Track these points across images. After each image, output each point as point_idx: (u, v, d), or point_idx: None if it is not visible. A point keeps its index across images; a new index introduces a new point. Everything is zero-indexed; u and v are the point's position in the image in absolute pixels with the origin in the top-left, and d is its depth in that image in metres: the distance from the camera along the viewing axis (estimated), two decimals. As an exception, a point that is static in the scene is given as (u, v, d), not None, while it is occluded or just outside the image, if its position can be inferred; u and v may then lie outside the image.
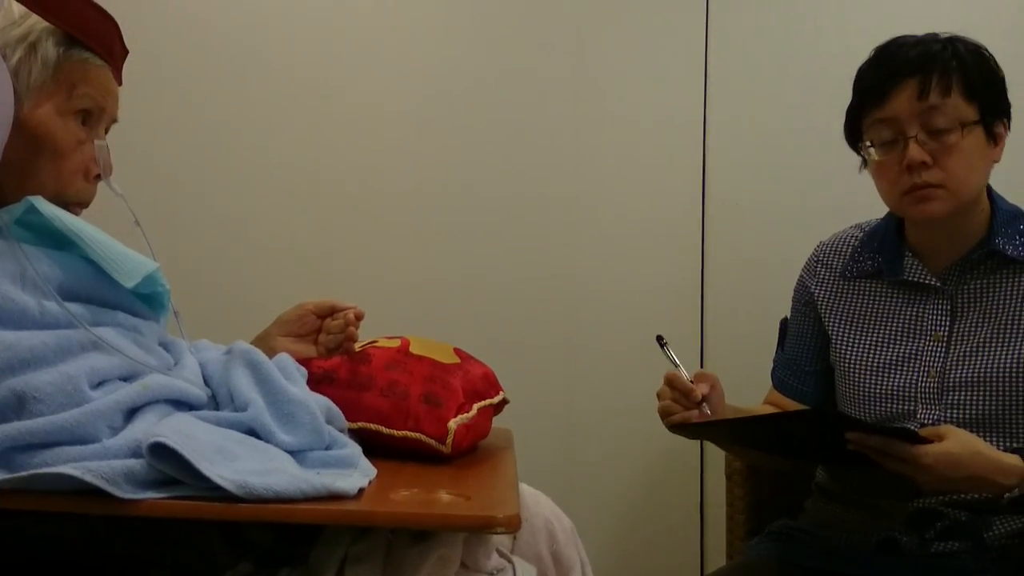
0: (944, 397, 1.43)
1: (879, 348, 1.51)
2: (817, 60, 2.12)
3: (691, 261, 2.17)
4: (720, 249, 2.16)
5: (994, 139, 1.44)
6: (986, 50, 1.45)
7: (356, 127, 2.15)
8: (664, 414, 1.44)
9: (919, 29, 1.47)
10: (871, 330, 1.53)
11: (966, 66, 1.41)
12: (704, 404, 1.41)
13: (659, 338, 1.51)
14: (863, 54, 1.49)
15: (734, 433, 1.54)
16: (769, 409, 1.66)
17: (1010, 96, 1.46)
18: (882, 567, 1.43)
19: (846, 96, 1.51)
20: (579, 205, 2.17)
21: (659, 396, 1.45)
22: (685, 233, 2.17)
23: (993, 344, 1.42)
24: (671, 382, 1.43)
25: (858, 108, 1.48)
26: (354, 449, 1.11)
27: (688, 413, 1.41)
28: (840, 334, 1.55)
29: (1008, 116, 1.46)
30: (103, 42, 1.16)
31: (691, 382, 1.41)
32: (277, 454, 1.00)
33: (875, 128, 1.45)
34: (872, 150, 1.46)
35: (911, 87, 1.41)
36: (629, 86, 2.17)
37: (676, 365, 1.46)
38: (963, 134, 1.39)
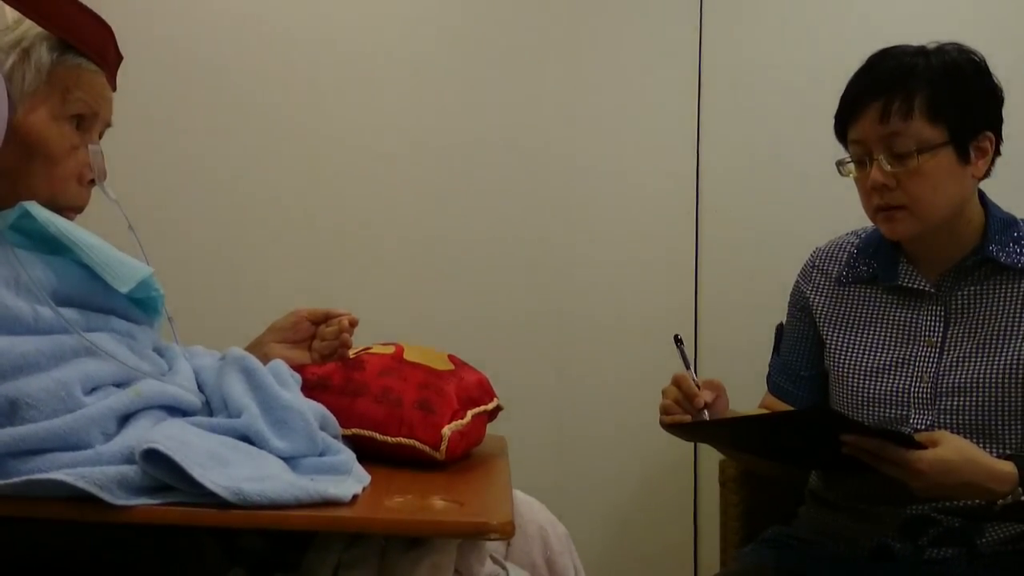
0: (937, 402, 1.43)
1: (873, 352, 1.51)
2: (811, 68, 2.12)
3: (685, 268, 2.17)
4: (713, 258, 2.16)
5: (967, 157, 1.41)
6: (973, 61, 1.43)
7: (350, 134, 2.14)
8: (663, 412, 1.45)
9: (913, 38, 1.47)
10: (865, 335, 1.53)
11: (935, 86, 1.39)
12: (705, 412, 1.41)
13: (676, 338, 1.51)
14: (857, 62, 1.49)
15: (729, 434, 1.54)
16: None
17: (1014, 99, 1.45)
18: (875, 573, 1.43)
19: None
20: (573, 212, 2.17)
21: (664, 394, 1.45)
22: (679, 241, 2.17)
23: (986, 350, 1.43)
24: (678, 383, 1.43)
25: (839, 122, 1.49)
26: (348, 455, 1.11)
27: (683, 416, 1.41)
28: (834, 338, 1.56)
29: (995, 128, 1.44)
30: (97, 47, 1.16)
31: (698, 386, 1.42)
32: (271, 460, 1.00)
33: (851, 146, 1.48)
34: (850, 165, 1.48)
35: (875, 110, 1.41)
36: (622, 95, 2.17)
37: (687, 367, 1.46)
38: (925, 158, 1.39)
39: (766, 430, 1.46)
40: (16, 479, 0.88)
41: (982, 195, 1.49)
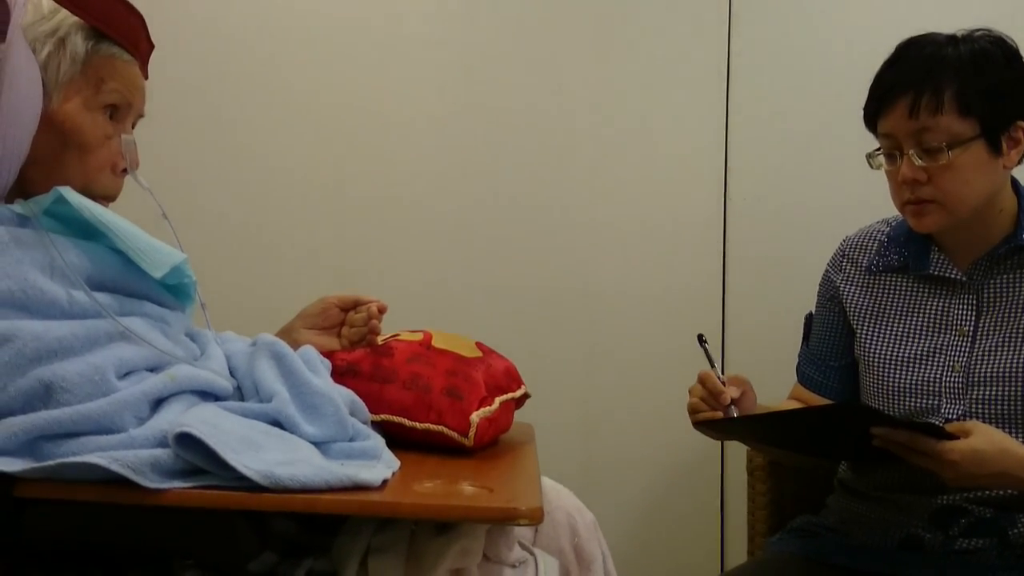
0: (968, 392, 1.42)
1: (904, 342, 1.50)
2: (839, 57, 2.10)
3: (712, 258, 2.17)
4: (741, 246, 2.16)
5: (999, 149, 1.39)
6: (1004, 48, 1.40)
7: (378, 124, 2.15)
8: (691, 411, 1.45)
9: (948, 21, 1.45)
10: (896, 324, 1.52)
11: (965, 78, 1.36)
12: (732, 407, 1.41)
13: (700, 337, 1.52)
14: (885, 52, 1.47)
15: (758, 430, 1.53)
16: (793, 405, 1.65)
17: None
18: (905, 564, 1.42)
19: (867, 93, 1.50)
20: (601, 202, 2.17)
21: (690, 392, 1.46)
22: (707, 230, 2.16)
23: (1018, 339, 1.41)
24: (703, 381, 1.43)
25: (868, 114, 1.48)
26: (377, 441, 1.11)
27: (714, 412, 1.41)
28: (865, 328, 1.55)
29: None
30: (130, 37, 1.17)
31: (724, 384, 1.42)
32: (302, 445, 1.01)
33: (881, 139, 1.46)
34: (880, 158, 1.47)
35: (904, 105, 1.39)
36: (650, 85, 2.17)
37: (712, 365, 1.46)
38: (956, 152, 1.37)
39: (796, 426, 1.45)
40: (50, 462, 0.89)
41: (1015, 182, 1.48)
